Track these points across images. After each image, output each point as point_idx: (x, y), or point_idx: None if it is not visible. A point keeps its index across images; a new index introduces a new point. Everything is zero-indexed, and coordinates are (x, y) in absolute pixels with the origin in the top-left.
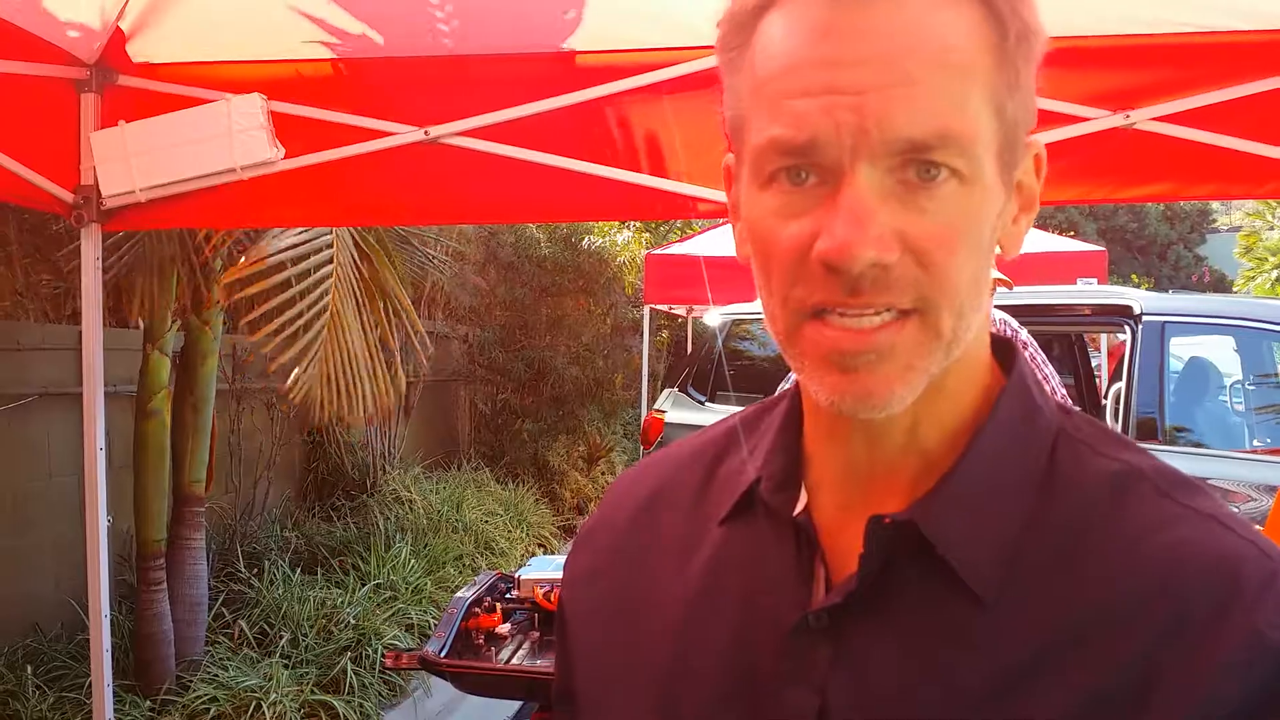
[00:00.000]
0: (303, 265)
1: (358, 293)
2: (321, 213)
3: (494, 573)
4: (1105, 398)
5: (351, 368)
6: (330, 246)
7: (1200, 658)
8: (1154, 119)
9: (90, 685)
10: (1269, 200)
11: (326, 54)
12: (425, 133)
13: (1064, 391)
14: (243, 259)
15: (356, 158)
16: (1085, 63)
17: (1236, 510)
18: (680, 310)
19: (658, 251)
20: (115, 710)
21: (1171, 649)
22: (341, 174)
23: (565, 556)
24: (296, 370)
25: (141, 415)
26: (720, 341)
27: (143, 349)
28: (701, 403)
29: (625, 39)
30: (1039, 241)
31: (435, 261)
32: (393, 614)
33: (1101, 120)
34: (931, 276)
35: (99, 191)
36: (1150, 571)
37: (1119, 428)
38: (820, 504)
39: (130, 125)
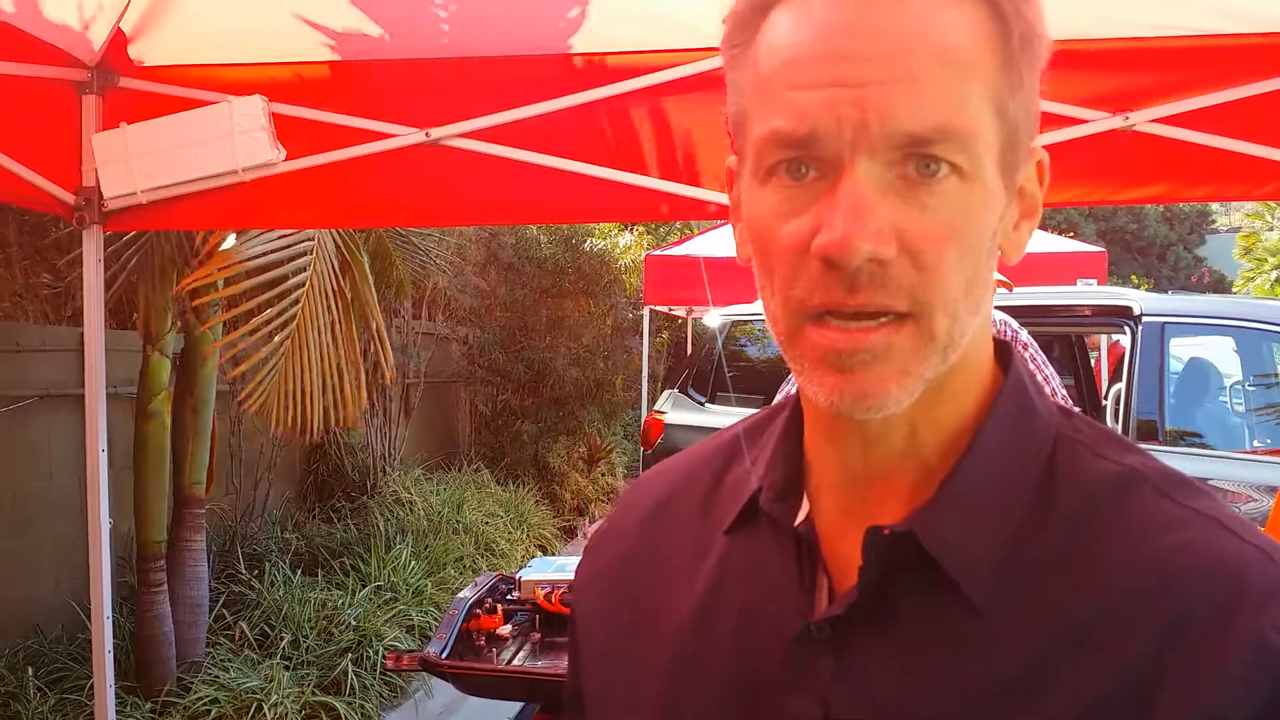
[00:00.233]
0: (271, 274)
1: (335, 308)
2: (323, 214)
3: (495, 574)
4: (1105, 398)
5: (311, 382)
6: (309, 254)
7: (1205, 663)
8: (1153, 121)
9: (91, 687)
10: (1268, 201)
11: (328, 56)
12: (426, 134)
13: (1064, 393)
14: (206, 262)
15: (358, 159)
16: (1085, 65)
17: (1238, 511)
18: (680, 311)
19: (657, 253)
20: (116, 712)
21: (1175, 654)
22: (343, 175)
23: (565, 558)
24: (253, 384)
25: (142, 417)
26: (720, 343)
27: (143, 350)
28: (701, 404)
29: (626, 40)
30: (1038, 242)
31: (436, 263)
32: (393, 615)
33: (1101, 122)
34: (927, 279)
35: (101, 193)
36: (1153, 575)
37: (1119, 428)
38: (821, 510)
39: (132, 127)
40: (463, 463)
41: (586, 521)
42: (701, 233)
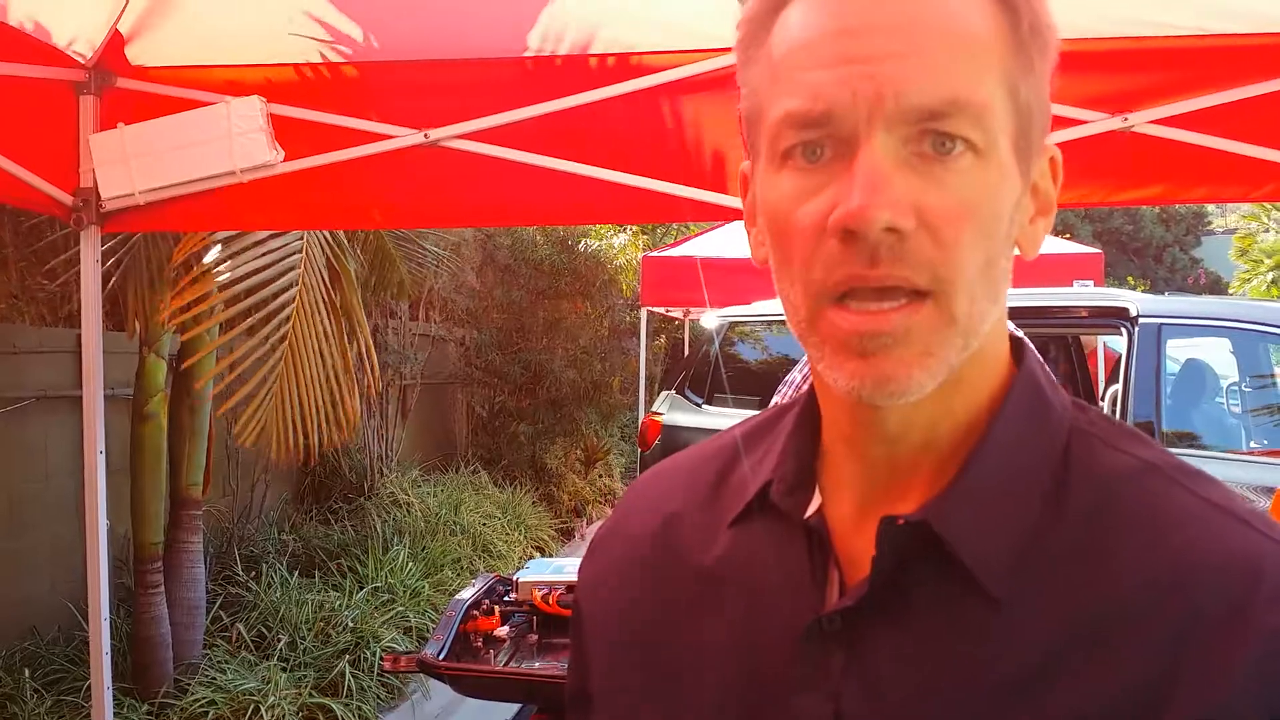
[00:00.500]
0: (261, 294)
1: (327, 320)
2: (321, 215)
3: (492, 575)
4: (1102, 399)
5: (308, 402)
6: (297, 268)
7: (1221, 656)
8: (1151, 122)
9: (88, 688)
10: (1265, 203)
11: (326, 57)
12: (425, 135)
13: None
14: (187, 276)
15: (356, 160)
16: (1083, 66)
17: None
18: (677, 313)
19: (654, 254)
20: (113, 713)
21: (1190, 646)
22: (341, 177)
23: (563, 559)
24: (247, 414)
25: (138, 418)
26: (717, 344)
27: (139, 352)
28: (699, 405)
29: (625, 42)
30: None
31: (438, 265)
32: (391, 617)
33: (1099, 123)
34: (946, 255)
35: (98, 194)
36: (1167, 569)
37: None
38: (836, 506)
39: (129, 128)
40: (460, 464)
41: (584, 523)
42: (699, 234)
